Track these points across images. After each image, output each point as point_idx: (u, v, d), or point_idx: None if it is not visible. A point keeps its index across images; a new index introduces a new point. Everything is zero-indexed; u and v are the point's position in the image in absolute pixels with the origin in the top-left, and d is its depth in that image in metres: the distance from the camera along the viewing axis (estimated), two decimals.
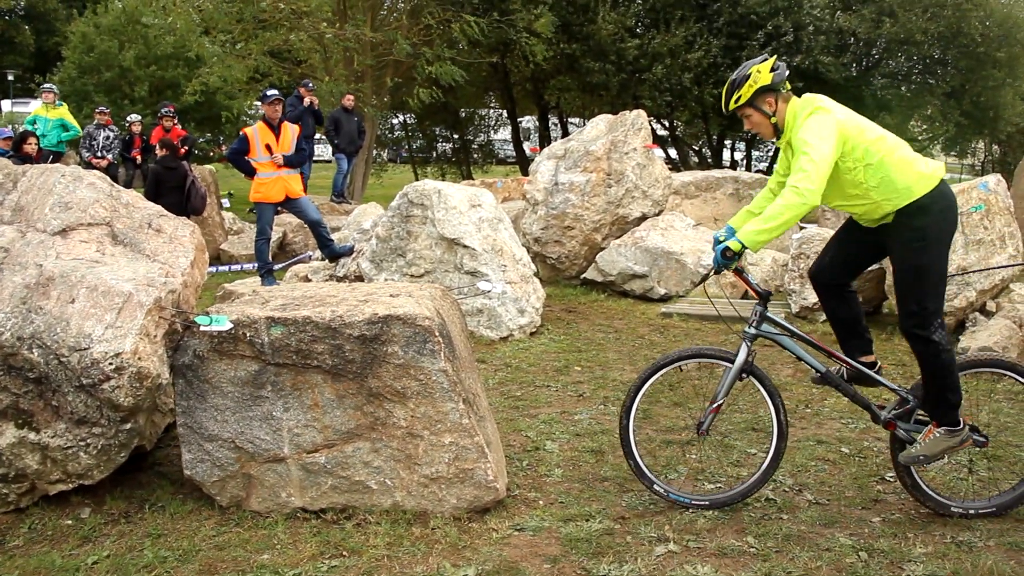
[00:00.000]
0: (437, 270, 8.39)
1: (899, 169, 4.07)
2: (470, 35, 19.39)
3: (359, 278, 8.81)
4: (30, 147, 12.02)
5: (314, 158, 16.15)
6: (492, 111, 32.07)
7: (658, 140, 20.22)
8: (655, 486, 4.41)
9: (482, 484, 4.28)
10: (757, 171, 26.56)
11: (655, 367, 4.41)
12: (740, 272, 4.30)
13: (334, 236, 10.58)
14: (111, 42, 23.32)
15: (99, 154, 14.58)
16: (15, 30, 57.36)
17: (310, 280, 9.88)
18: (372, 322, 4.14)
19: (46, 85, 14.92)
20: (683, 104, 23.09)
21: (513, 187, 14.89)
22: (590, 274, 10.70)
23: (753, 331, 4.32)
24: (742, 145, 28.41)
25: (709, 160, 26.66)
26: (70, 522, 4.36)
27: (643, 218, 10.92)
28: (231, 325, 4.19)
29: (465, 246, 8.29)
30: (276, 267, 12.27)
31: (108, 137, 14.85)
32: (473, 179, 21.34)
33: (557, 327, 8.83)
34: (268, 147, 9.83)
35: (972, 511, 4.28)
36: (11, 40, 56.38)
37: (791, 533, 4.12)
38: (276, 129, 10.02)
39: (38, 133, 13.27)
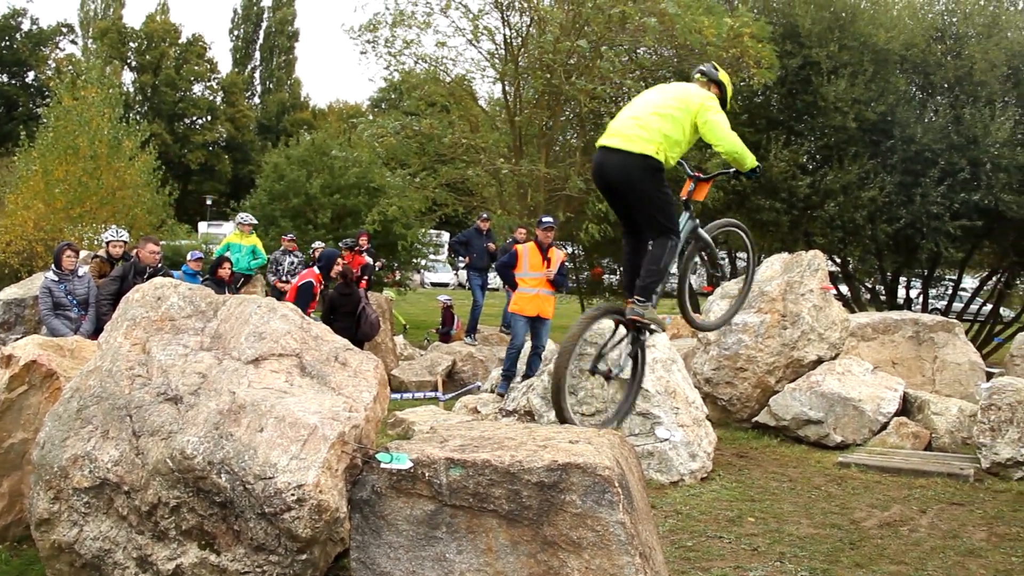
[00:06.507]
0: (608, 410, 8.27)
1: None
2: None
3: (528, 413, 8.79)
4: (224, 271, 12.82)
5: (487, 287, 16.44)
6: None
7: (830, 277, 19.71)
8: None
9: None
10: (934, 310, 25.24)
11: None
12: None
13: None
14: (300, 171, 24.79)
15: (283, 278, 15.37)
16: (216, 159, 63.05)
17: (479, 411, 9.95)
18: (551, 469, 4.08)
19: (244, 216, 15.96)
20: (856, 241, 22.37)
21: (682, 323, 14.67)
22: (762, 418, 10.33)
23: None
24: (918, 283, 27.16)
25: (882, 298, 25.60)
26: None
27: (819, 361, 10.55)
28: (411, 464, 4.21)
29: None
30: (442, 397, 12.49)
31: (293, 263, 15.67)
32: None
33: (728, 473, 8.52)
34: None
35: None
36: (212, 168, 61.98)
37: None
38: (544, 252, 11.01)
39: (231, 258, 14.15)
